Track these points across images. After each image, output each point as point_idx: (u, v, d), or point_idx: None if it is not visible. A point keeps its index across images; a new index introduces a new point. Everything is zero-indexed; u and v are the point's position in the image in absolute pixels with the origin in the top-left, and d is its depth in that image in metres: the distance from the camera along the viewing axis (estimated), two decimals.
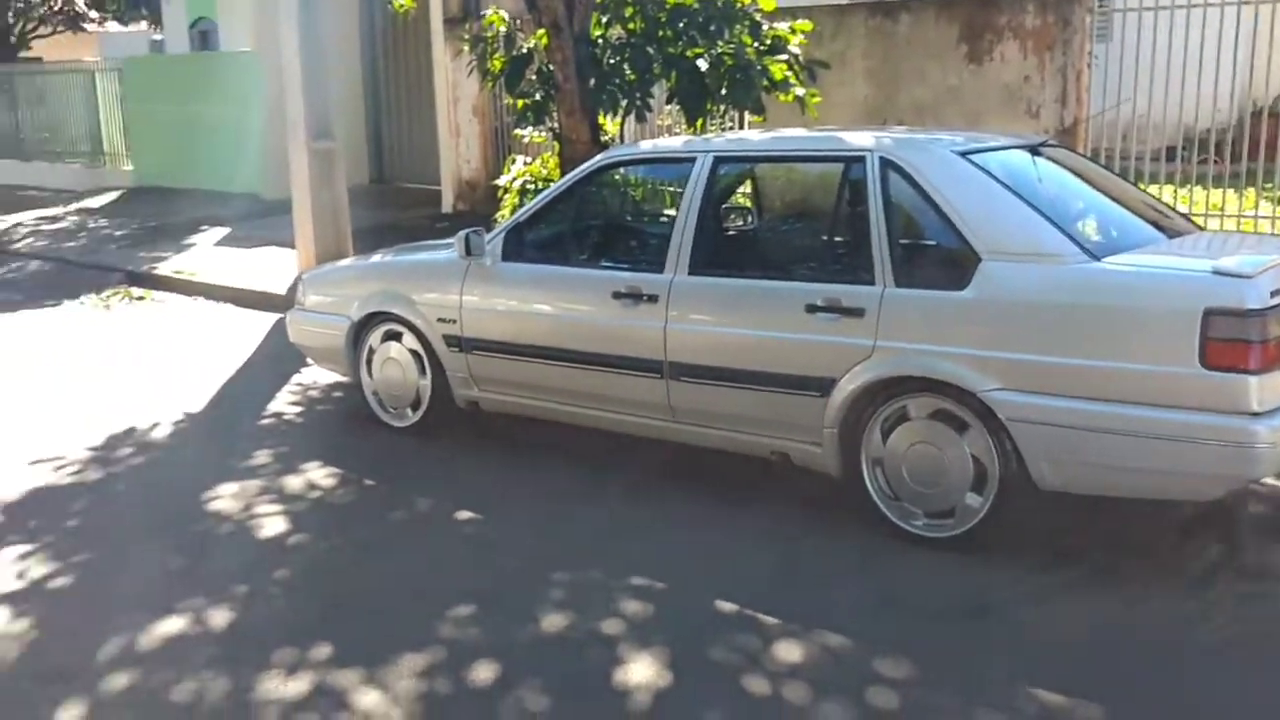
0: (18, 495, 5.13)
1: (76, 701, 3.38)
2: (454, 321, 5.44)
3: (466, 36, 9.21)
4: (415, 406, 5.77)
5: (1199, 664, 3.43)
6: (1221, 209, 8.74)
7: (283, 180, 10.28)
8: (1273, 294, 3.73)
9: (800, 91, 8.11)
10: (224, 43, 18.14)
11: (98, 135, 18.12)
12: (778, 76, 8.06)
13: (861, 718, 3.17)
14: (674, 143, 5.33)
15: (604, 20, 8.22)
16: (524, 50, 8.39)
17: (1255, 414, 3.68)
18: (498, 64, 8.59)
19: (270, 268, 10.27)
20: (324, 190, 9.50)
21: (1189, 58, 8.49)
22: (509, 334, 5.30)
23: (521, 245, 5.33)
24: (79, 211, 15.29)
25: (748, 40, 7.95)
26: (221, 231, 12.64)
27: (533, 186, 9.13)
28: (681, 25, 7.95)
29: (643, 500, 4.86)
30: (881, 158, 4.42)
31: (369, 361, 5.87)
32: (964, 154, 4.43)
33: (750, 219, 5.43)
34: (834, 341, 4.34)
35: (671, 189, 5.47)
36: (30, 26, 22.96)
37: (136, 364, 7.55)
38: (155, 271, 10.70)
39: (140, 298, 9.94)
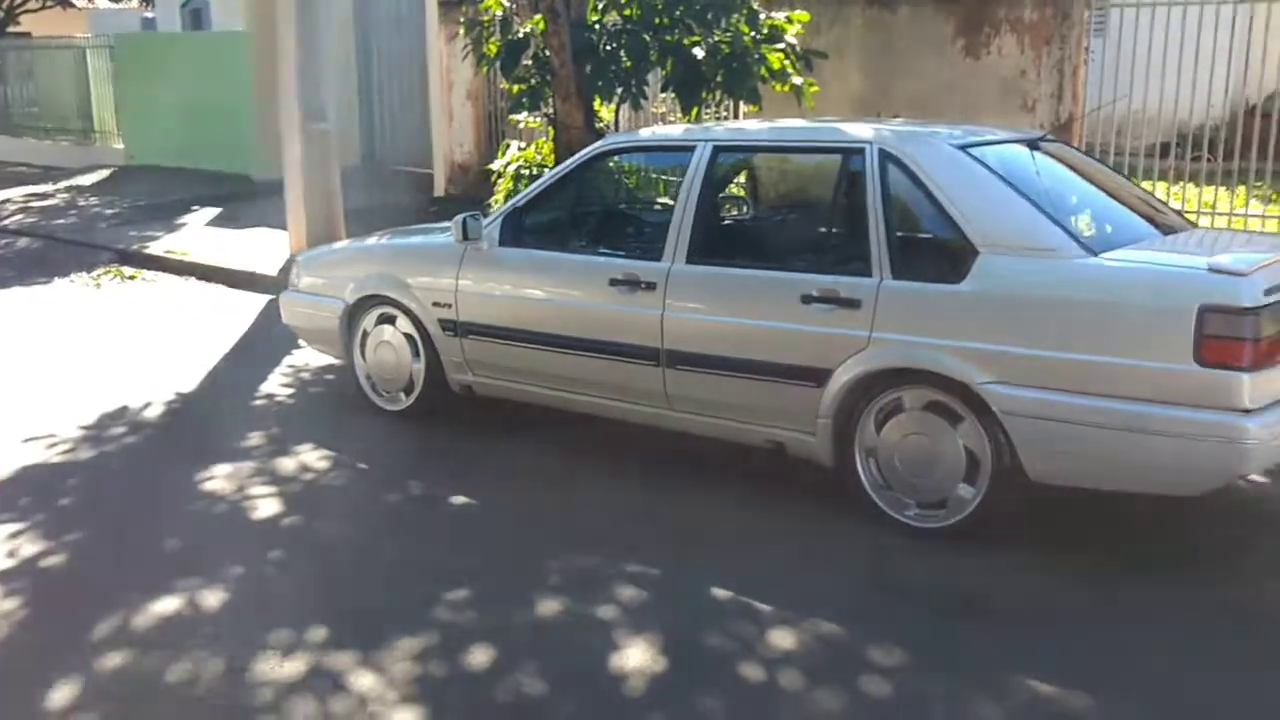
0: (10, 473, 5.12)
1: (69, 682, 3.38)
2: (449, 306, 5.44)
3: (462, 20, 9.17)
4: (408, 390, 5.77)
5: (1189, 655, 3.46)
6: (1214, 206, 8.78)
7: (275, 161, 10.25)
8: (1266, 292, 3.75)
9: (798, 81, 8.11)
10: (216, 22, 18.05)
11: (88, 112, 18.00)
12: (775, 66, 8.06)
13: (854, 705, 3.20)
14: (673, 131, 5.34)
15: (600, 6, 8.20)
16: (520, 35, 8.36)
17: (1247, 411, 3.72)
18: (494, 48, 8.56)
19: (262, 249, 10.24)
20: (317, 172, 9.47)
21: (1183, 55, 8.53)
22: (505, 319, 5.31)
23: (519, 230, 5.33)
24: (69, 189, 15.20)
25: (745, 29, 7.94)
26: (212, 211, 12.60)
27: (527, 172, 9.12)
28: (678, 13, 7.94)
29: (639, 487, 4.88)
30: (881, 150, 4.43)
31: (362, 344, 5.86)
32: (963, 147, 4.45)
33: (748, 208, 5.45)
34: (830, 332, 4.36)
35: (670, 177, 5.47)
36: (18, 1, 22.76)
37: (128, 343, 7.53)
38: (146, 251, 10.65)
39: (131, 277, 9.90)
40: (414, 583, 4.00)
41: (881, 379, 4.29)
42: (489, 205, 8.93)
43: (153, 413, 6.00)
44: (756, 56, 7.99)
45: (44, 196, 14.74)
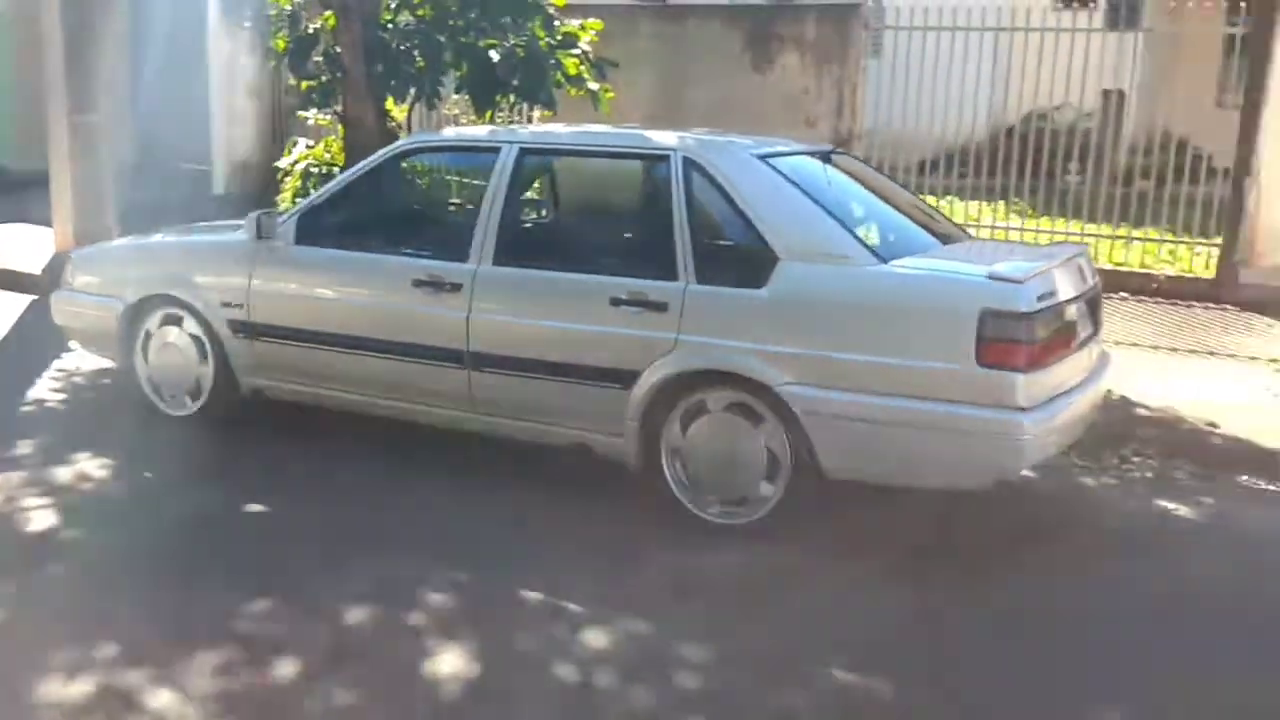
0: None
1: None
2: (241, 306, 5.23)
3: (247, 13, 8.85)
4: (195, 395, 5.51)
5: (981, 642, 3.68)
6: (978, 220, 9.38)
7: (36, 152, 9.60)
8: (1040, 298, 4.05)
9: (593, 87, 8.20)
10: None
11: None
12: (571, 71, 8.12)
13: (669, 700, 3.26)
14: (479, 132, 5.31)
15: (393, 5, 8.06)
16: (310, 31, 8.13)
17: (1023, 409, 3.99)
18: (281, 44, 8.29)
19: (23, 246, 9.56)
20: (85, 167, 8.93)
21: (950, 78, 9.09)
22: (301, 320, 5.15)
23: (317, 229, 5.18)
24: None
25: (541, 33, 7.97)
26: None
27: (317, 170, 8.89)
28: (473, 16, 7.89)
29: (443, 491, 4.82)
30: (685, 157, 4.54)
31: (145, 347, 5.56)
32: (763, 158, 4.60)
33: (555, 211, 5.47)
34: (637, 335, 4.43)
35: (476, 178, 5.44)
36: None
37: None
38: None
39: None
40: (210, 595, 3.83)
41: (687, 381, 4.39)
42: (277, 203, 8.63)
43: None
44: (552, 61, 8.04)
45: None
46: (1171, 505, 4.94)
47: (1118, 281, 8.24)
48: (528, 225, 5.23)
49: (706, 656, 3.50)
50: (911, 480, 4.28)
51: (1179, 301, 8.30)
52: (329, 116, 8.80)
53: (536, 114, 9.81)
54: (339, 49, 7.82)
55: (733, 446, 4.35)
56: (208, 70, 12.41)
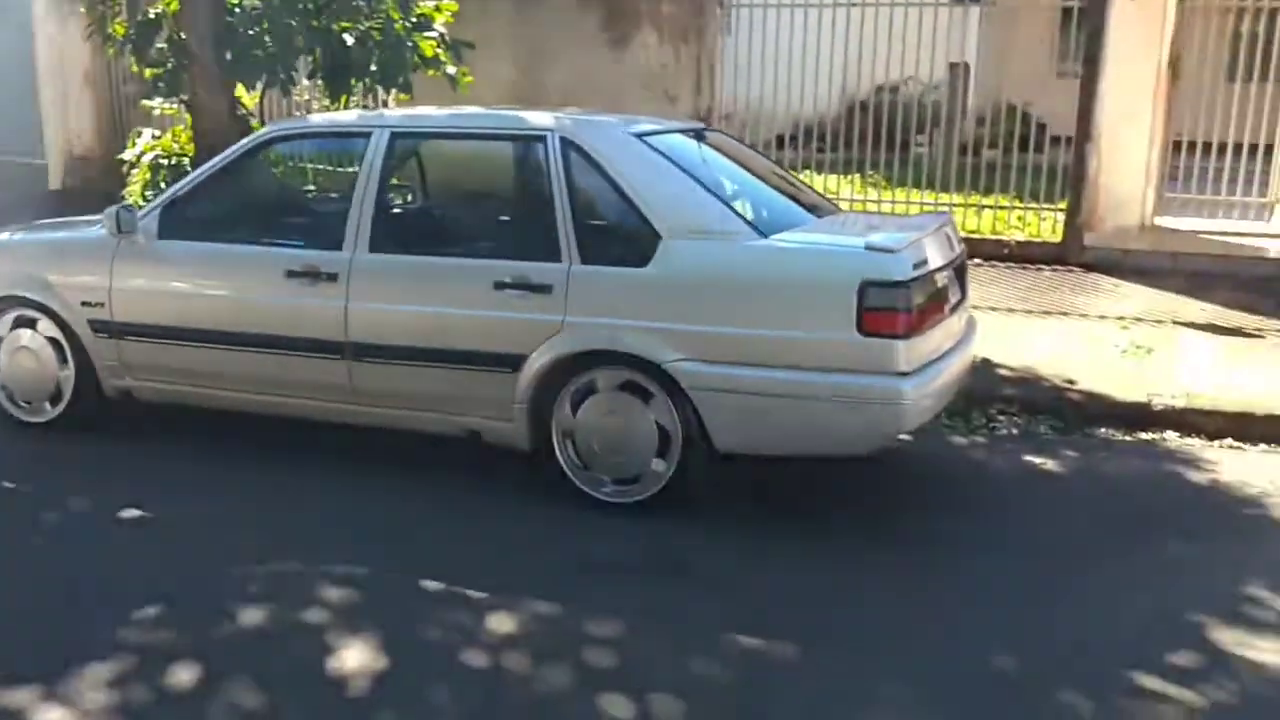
0: None
1: None
2: (102, 305, 5.02)
3: None
4: (55, 400, 5.27)
5: (878, 598, 3.79)
6: (837, 193, 9.59)
7: None
8: (914, 266, 4.18)
9: (451, 70, 8.10)
10: None
11: None
12: (428, 54, 8.00)
13: (582, 678, 3.27)
14: (347, 116, 5.19)
15: None
16: (151, 15, 7.81)
17: (903, 374, 4.12)
18: (120, 29, 7.95)
19: None
20: None
21: (803, 53, 9.28)
22: (169, 317, 4.97)
23: (180, 222, 4.99)
24: None
25: (396, 15, 7.82)
26: None
27: (166, 161, 8.55)
28: None
29: (329, 486, 4.73)
30: (562, 138, 4.53)
31: None
32: (640, 136, 4.62)
33: (431, 196, 5.37)
34: (523, 318, 4.41)
35: (346, 164, 5.31)
36: None
37: None
38: None
39: None
40: (94, 606, 3.69)
41: (576, 362, 4.39)
42: (123, 197, 8.28)
43: None
44: (409, 44, 7.90)
45: None
46: (1038, 460, 5.17)
47: (971, 248, 8.44)
48: (403, 211, 5.14)
49: (616, 632, 3.53)
50: (800, 449, 4.37)
51: (1029, 265, 8.65)
52: (176, 105, 8.47)
53: (391, 99, 9.64)
54: (183, 35, 7.54)
55: (624, 425, 4.38)
56: (35, 58, 11.77)
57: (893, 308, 4.09)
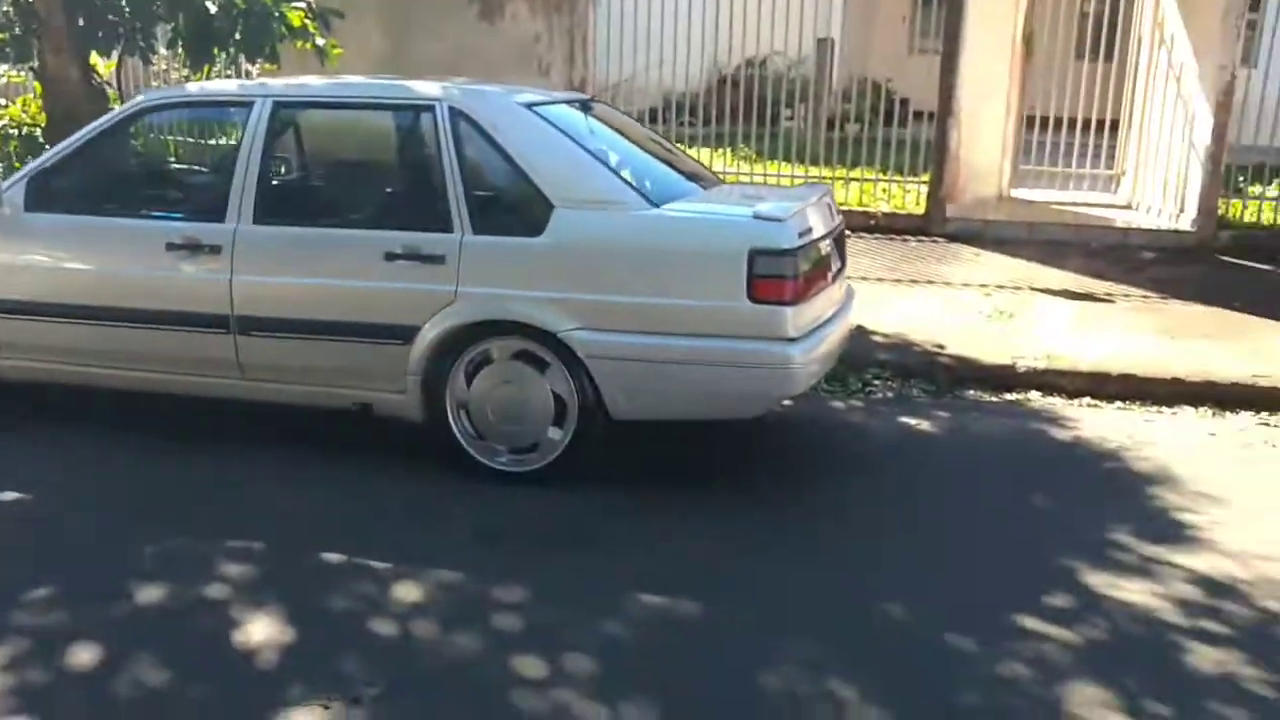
0: None
1: None
2: None
3: None
4: None
5: (773, 555, 3.93)
6: (709, 166, 9.74)
7: None
8: (800, 235, 4.31)
9: (320, 41, 7.94)
10: None
11: None
12: (295, 24, 7.82)
13: (494, 642, 3.31)
14: (227, 86, 5.05)
15: None
16: None
17: (791, 339, 4.25)
18: None
19: None
20: None
21: (676, 26, 9.38)
22: (39, 293, 4.79)
23: (50, 193, 4.81)
24: None
25: None
26: None
27: (15, 131, 8.20)
28: None
29: (209, 464, 4.65)
30: (451, 107, 4.51)
31: None
32: (528, 106, 4.64)
33: (318, 167, 5.28)
34: (416, 289, 4.40)
35: (227, 134, 5.18)
36: None
37: None
38: None
39: None
40: None
41: (470, 332, 4.40)
42: None
43: None
44: (276, 14, 7.71)
45: None
46: (913, 421, 5.39)
47: None
48: (289, 181, 5.04)
49: (522, 597, 3.58)
50: (693, 413, 4.47)
51: (895, 236, 8.96)
52: (23, 73, 8.12)
53: (255, 69, 9.39)
54: None
55: (519, 395, 4.41)
56: None
57: (781, 275, 4.21)
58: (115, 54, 8.10)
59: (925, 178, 9.32)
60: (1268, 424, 5.41)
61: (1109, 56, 9.81)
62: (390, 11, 9.72)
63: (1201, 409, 5.59)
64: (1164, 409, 5.60)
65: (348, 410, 4.67)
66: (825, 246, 4.67)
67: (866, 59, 13.32)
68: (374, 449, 4.75)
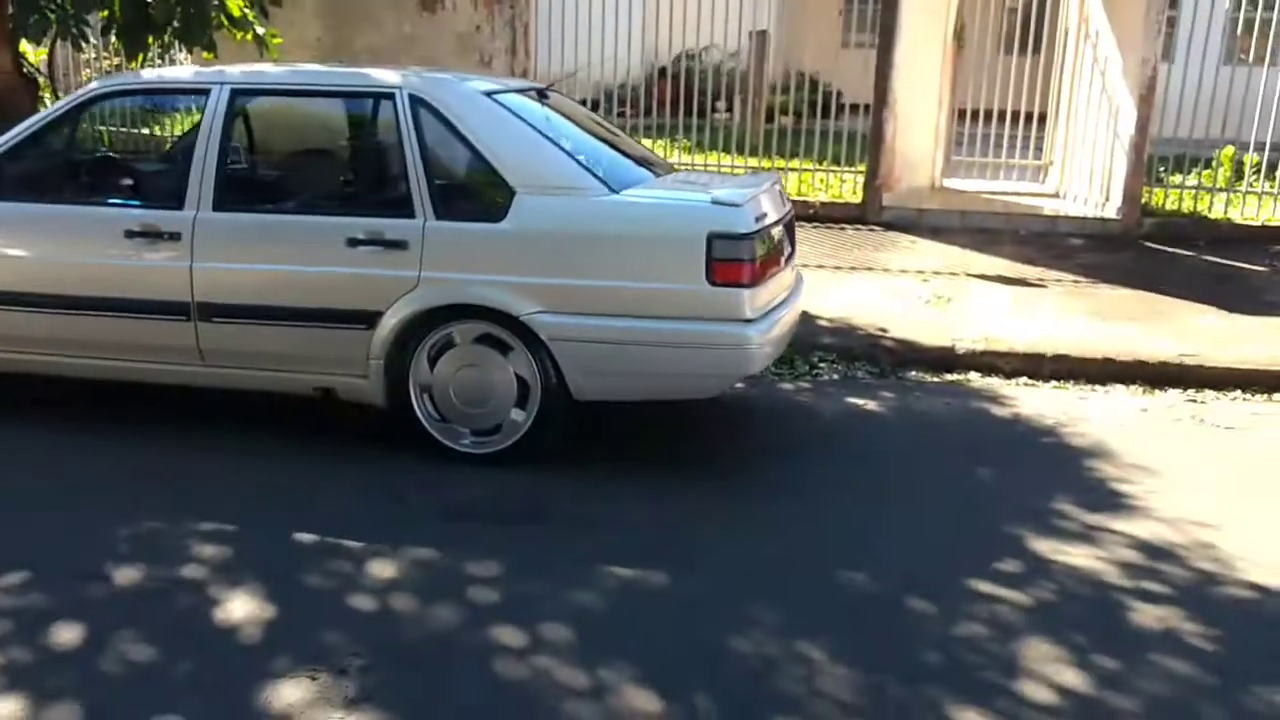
0: None
1: None
2: None
3: None
4: None
5: (731, 536, 4.05)
6: None
7: None
8: (756, 219, 4.45)
9: (260, 30, 7.91)
10: None
11: None
12: (234, 13, 7.79)
13: (473, 614, 3.40)
14: (182, 73, 5.04)
15: None
16: None
17: (749, 320, 4.39)
18: None
19: None
20: None
21: (610, 19, 9.49)
22: None
23: (2, 182, 4.78)
24: None
25: None
26: None
27: None
28: None
29: (183, 448, 4.68)
30: (411, 95, 4.57)
31: None
32: (488, 94, 4.72)
33: (277, 154, 5.30)
34: (378, 274, 4.46)
35: (184, 122, 5.17)
36: None
37: None
38: None
39: None
40: None
41: (432, 317, 4.47)
42: None
43: None
44: (215, 3, 7.67)
45: None
46: (859, 401, 5.58)
47: None
48: (247, 168, 5.04)
49: (495, 572, 3.68)
50: (653, 394, 4.59)
51: (833, 225, 9.16)
52: None
53: (185, 58, 9.30)
54: None
55: (483, 378, 4.50)
56: None
57: (739, 259, 4.34)
58: (46, 41, 8.00)
59: (861, 168, 9.53)
60: (1195, 400, 5.68)
61: (1036, 51, 10.11)
62: (330, 2, 9.70)
63: (1132, 387, 5.85)
64: (1097, 387, 5.86)
65: (309, 395, 4.71)
66: (778, 232, 4.80)
67: (799, 52, 13.51)
68: (334, 433, 4.80)
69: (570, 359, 4.42)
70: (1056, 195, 9.88)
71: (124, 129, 5.85)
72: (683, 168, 9.69)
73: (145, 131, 5.94)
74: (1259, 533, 4.11)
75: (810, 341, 6.20)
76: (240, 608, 3.40)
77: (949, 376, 5.99)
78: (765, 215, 4.59)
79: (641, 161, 5.28)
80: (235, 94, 4.72)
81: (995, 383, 5.91)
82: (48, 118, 4.85)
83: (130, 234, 4.61)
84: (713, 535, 4.03)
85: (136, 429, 4.87)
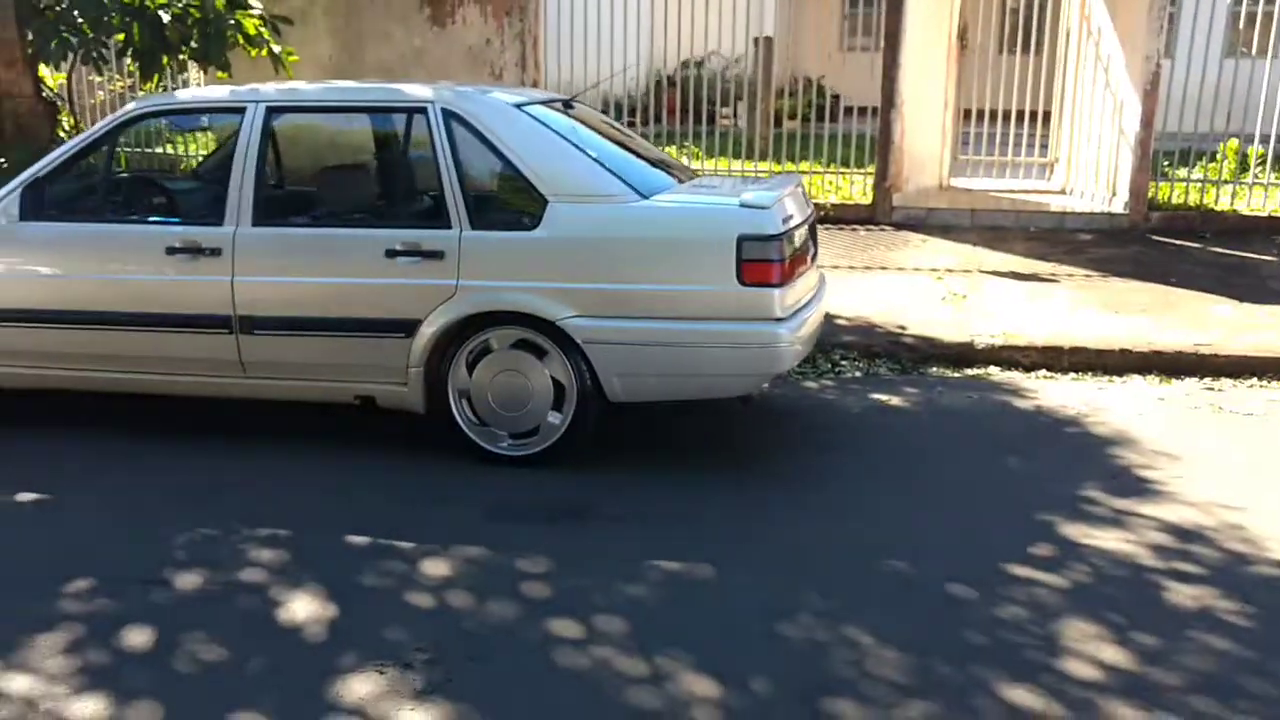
0: None
1: None
2: None
3: None
4: None
5: (771, 528, 4.16)
6: None
7: None
8: (783, 220, 4.56)
9: (276, 49, 8.04)
10: None
11: None
12: (250, 31, 7.92)
13: (529, 608, 3.51)
14: (218, 92, 5.14)
15: None
16: None
17: (779, 320, 4.50)
18: None
19: None
20: None
21: (611, 32, 9.62)
22: (38, 300, 4.88)
23: (44, 203, 4.89)
24: None
25: None
26: None
27: None
28: None
29: (219, 457, 4.79)
30: (443, 109, 4.69)
31: None
32: (517, 105, 4.83)
33: (314, 170, 5.40)
34: (417, 284, 4.57)
35: (221, 140, 5.28)
36: None
37: None
38: None
39: None
40: (17, 586, 3.68)
41: (470, 324, 4.58)
42: None
43: None
44: (231, 22, 7.80)
45: None
46: (884, 397, 5.68)
47: None
48: (285, 184, 5.17)
49: (545, 568, 3.78)
50: (686, 393, 4.70)
51: (845, 226, 9.28)
52: None
53: (197, 76, 9.41)
54: None
55: (520, 382, 4.60)
56: None
57: (768, 259, 4.45)
58: (66, 66, 8.12)
59: (870, 169, 9.65)
60: (1211, 388, 5.79)
61: (1038, 50, 10.24)
62: (340, 17, 9.83)
63: (1149, 377, 5.96)
64: (1115, 378, 5.97)
65: (348, 404, 4.82)
66: (803, 233, 4.92)
67: (799, 57, 13.63)
68: (372, 440, 4.91)
69: (605, 361, 4.52)
70: (1063, 192, 9.99)
71: (145, 149, 5.96)
72: (703, 174, 9.85)
73: (165, 150, 6.05)
74: None
75: (831, 340, 6.31)
76: (303, 608, 3.51)
77: (969, 371, 6.10)
78: (791, 217, 4.70)
79: (665, 168, 5.39)
80: (271, 111, 4.84)
81: (1015, 376, 6.02)
82: (87, 139, 4.96)
83: (171, 250, 4.72)
84: (752, 528, 4.13)
85: (178, 440, 4.98)
